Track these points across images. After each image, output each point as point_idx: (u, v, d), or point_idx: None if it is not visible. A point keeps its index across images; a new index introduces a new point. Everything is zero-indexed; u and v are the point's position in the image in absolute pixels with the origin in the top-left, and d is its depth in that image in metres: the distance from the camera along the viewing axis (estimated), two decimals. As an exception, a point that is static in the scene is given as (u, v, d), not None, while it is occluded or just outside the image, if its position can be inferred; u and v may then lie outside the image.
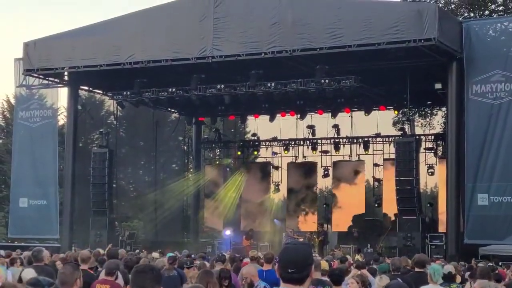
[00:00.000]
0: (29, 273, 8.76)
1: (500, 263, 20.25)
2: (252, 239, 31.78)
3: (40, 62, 29.35)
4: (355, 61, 25.52)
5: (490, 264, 16.76)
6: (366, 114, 32.39)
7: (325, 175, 35.29)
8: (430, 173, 32.54)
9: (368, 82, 26.90)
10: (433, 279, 9.48)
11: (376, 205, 35.00)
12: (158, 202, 35.41)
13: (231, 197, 36.08)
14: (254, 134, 37.39)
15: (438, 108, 37.32)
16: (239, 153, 37.61)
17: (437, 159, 32.79)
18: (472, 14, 38.72)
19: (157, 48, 27.41)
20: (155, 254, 17.39)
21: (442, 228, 27.71)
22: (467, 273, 13.39)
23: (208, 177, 36.58)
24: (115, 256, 12.25)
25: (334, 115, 32.08)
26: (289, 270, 4.08)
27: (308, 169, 35.69)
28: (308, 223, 34.62)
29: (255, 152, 38.09)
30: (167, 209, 34.90)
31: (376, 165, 34.57)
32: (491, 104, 24.95)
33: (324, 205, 36.55)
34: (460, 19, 32.91)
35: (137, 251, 24.39)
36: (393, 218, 29.71)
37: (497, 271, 14.16)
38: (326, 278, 10.38)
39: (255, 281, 10.44)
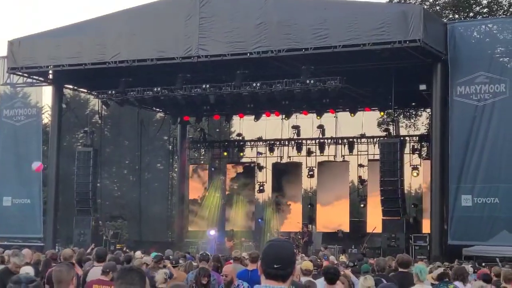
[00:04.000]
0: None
1: (483, 264, 20.35)
2: (234, 239, 31.68)
3: (25, 60, 29.20)
4: (340, 62, 25.57)
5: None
6: (351, 114, 32.52)
7: (310, 176, 35.33)
8: (414, 174, 32.64)
9: (353, 83, 26.95)
10: (420, 278, 9.51)
11: (361, 205, 35.06)
12: (143, 202, 35.36)
13: (216, 197, 36.00)
14: (239, 134, 37.38)
15: (422, 109, 37.46)
16: (225, 153, 37.56)
17: (422, 160, 32.90)
18: (457, 16, 38.93)
19: (143, 47, 27.32)
20: (138, 253, 17.31)
21: (426, 229, 27.78)
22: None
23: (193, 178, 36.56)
24: (104, 255, 11.89)
25: (319, 116, 32.19)
26: (275, 266, 4.02)
27: (293, 169, 35.71)
28: (293, 223, 34.61)
29: (241, 153, 38.05)
30: (151, 208, 34.84)
31: (360, 165, 34.65)
32: (475, 105, 25.10)
33: (309, 206, 36.55)
34: (445, 20, 33.06)
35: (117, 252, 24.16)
36: (377, 219, 29.75)
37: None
38: (310, 278, 10.40)
39: (235, 280, 10.46)
